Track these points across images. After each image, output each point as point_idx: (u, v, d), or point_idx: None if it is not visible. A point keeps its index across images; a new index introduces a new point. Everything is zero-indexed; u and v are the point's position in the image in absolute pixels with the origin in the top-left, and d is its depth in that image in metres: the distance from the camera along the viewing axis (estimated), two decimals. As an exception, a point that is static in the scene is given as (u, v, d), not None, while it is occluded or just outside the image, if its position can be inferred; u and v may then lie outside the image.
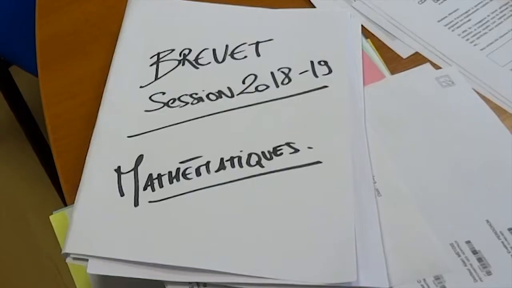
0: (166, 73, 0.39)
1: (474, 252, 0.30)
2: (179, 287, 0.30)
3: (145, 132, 0.36)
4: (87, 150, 0.35)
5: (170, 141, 0.36)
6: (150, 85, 0.39)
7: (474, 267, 0.30)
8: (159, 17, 0.43)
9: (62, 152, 0.38)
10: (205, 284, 0.30)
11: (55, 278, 0.96)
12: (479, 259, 0.30)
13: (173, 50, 0.41)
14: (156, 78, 0.39)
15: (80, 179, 0.34)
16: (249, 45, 0.40)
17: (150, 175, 0.33)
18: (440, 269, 0.30)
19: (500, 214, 0.31)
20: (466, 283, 0.29)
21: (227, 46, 0.40)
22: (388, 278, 0.29)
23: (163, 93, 0.38)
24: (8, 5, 0.81)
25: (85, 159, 0.35)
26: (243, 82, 0.38)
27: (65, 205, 0.35)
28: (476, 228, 0.31)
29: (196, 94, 0.38)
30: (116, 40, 0.42)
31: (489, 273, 0.29)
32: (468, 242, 0.30)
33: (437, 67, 0.39)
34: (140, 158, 0.34)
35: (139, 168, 0.34)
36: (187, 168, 0.34)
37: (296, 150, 0.34)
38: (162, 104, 0.37)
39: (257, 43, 0.40)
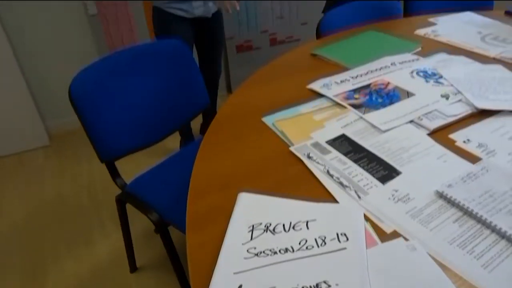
0: (257, 237, 0.52)
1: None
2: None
3: (244, 271, 0.47)
4: (209, 281, 0.47)
5: (258, 276, 0.47)
6: (247, 243, 0.51)
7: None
8: (254, 204, 0.57)
9: (196, 276, 0.49)
10: None
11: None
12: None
13: (261, 223, 0.54)
14: (251, 239, 0.52)
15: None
16: (303, 222, 0.54)
17: None
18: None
19: None
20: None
21: (290, 222, 0.54)
22: None
23: (254, 248, 0.50)
24: (172, 191, 1.07)
25: (208, 285, 0.46)
26: (299, 243, 0.50)
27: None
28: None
29: (273, 249, 0.50)
30: (229, 218, 0.56)
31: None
32: None
33: (406, 239, 0.51)
34: (240, 286, 0.46)
35: None
36: (268, 293, 0.45)
37: (329, 286, 0.45)
38: (253, 255, 0.49)
39: (307, 221, 0.54)
